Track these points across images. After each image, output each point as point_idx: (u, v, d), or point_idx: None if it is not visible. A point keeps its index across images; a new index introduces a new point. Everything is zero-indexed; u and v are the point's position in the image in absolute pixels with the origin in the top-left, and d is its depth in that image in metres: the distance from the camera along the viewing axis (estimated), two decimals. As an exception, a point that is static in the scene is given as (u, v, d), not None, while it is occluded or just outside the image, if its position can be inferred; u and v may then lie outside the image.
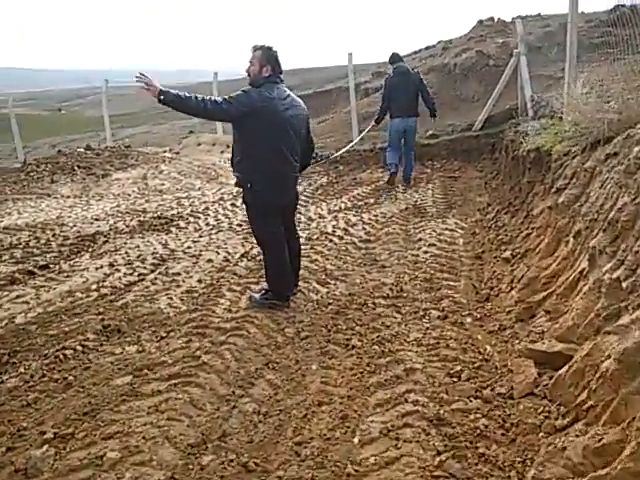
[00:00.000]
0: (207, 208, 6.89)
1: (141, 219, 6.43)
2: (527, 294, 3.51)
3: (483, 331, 3.40)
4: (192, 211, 6.74)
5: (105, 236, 5.82)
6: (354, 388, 2.81)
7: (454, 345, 3.21)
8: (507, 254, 4.29)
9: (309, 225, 6.10)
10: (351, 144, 9.53)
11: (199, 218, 6.42)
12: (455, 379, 2.85)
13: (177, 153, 11.10)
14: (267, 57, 3.70)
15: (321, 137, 13.04)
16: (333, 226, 5.98)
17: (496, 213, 5.59)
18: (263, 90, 3.64)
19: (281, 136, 3.69)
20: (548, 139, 5.14)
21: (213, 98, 3.55)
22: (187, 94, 3.45)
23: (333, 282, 4.43)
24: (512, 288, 3.76)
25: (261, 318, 3.73)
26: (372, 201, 7.15)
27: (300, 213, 6.63)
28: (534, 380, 2.62)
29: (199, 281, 4.53)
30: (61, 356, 3.20)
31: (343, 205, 6.96)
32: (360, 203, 7.05)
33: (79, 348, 3.32)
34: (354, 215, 6.40)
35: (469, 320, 3.56)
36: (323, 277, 4.54)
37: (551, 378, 2.59)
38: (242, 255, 5.14)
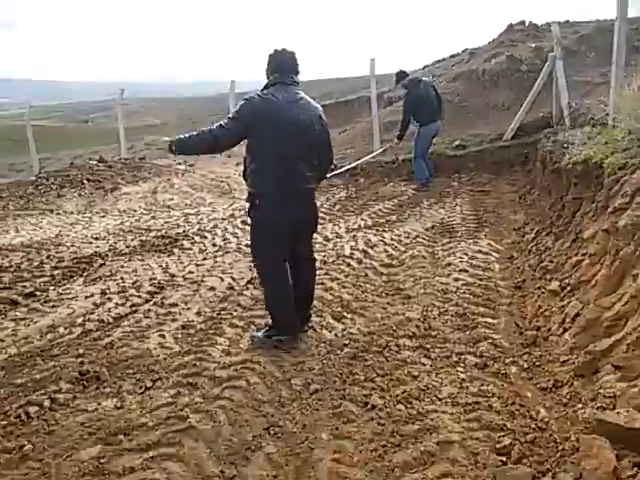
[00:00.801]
0: (216, 226, 6.38)
1: (143, 238, 5.94)
2: (586, 340, 2.87)
3: (533, 387, 2.77)
4: (199, 229, 6.24)
5: (102, 258, 5.33)
6: (375, 470, 2.22)
7: (498, 406, 2.60)
8: (554, 285, 3.65)
9: (325, 246, 5.53)
10: (372, 154, 8.96)
11: (205, 237, 5.91)
12: (504, 457, 2.24)
13: (192, 165, 10.68)
14: (273, 59, 3.39)
15: (341, 148, 12.52)
16: (351, 247, 5.39)
17: (536, 234, 4.94)
18: (268, 93, 3.28)
19: (288, 142, 3.26)
20: (597, 150, 4.49)
21: (218, 123, 3.27)
22: (194, 132, 3.30)
23: (350, 316, 3.84)
24: (565, 330, 3.13)
25: (264, 364, 3.16)
26: (394, 218, 6.55)
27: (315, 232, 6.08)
28: (614, 470, 1.99)
29: (198, 313, 3.99)
30: (23, 415, 2.68)
31: (363, 223, 6.38)
32: (381, 220, 6.46)
33: (46, 404, 2.78)
34: (375, 234, 5.81)
35: (514, 370, 2.94)
36: (339, 310, 3.95)
37: (636, 467, 1.96)
38: (249, 282, 4.59)
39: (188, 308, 4.11)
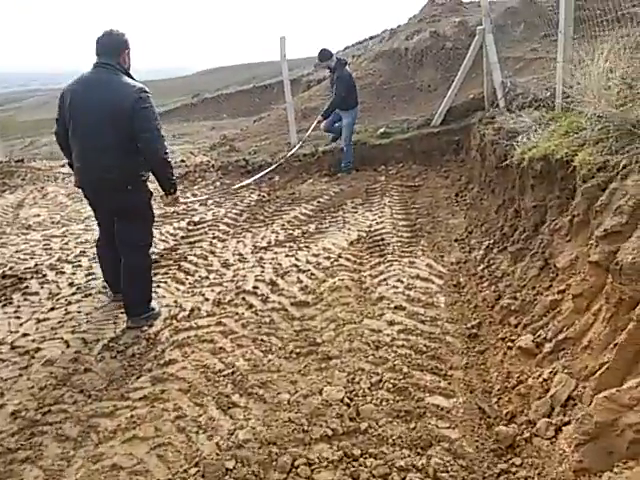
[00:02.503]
0: (83, 253, 4.92)
1: (-28, 281, 4.38)
2: (598, 460, 1.81)
3: None
4: (58, 260, 4.75)
5: None
6: None
7: None
8: (527, 341, 2.59)
9: (222, 276, 4.26)
10: (289, 153, 7.72)
11: (63, 273, 4.45)
12: None
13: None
14: (95, 42, 3.39)
15: (255, 139, 11.18)
16: (256, 277, 4.16)
17: (485, 250, 3.91)
18: (78, 79, 3.39)
19: (88, 129, 3.30)
20: (558, 142, 3.50)
21: None
22: None
23: (244, 402, 2.63)
24: (557, 429, 2.06)
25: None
26: (313, 228, 5.37)
27: (213, 254, 4.79)
28: None
29: (13, 415, 2.63)
30: None
31: (274, 237, 5.15)
32: (297, 232, 5.25)
33: None
34: (287, 254, 4.61)
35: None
36: (228, 391, 2.73)
37: None
38: (107, 343, 3.27)
39: (1, 406, 2.73)
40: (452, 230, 4.81)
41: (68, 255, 4.88)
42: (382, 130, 8.35)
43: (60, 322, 3.61)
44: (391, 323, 3.25)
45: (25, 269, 4.54)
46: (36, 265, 4.62)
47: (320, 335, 3.21)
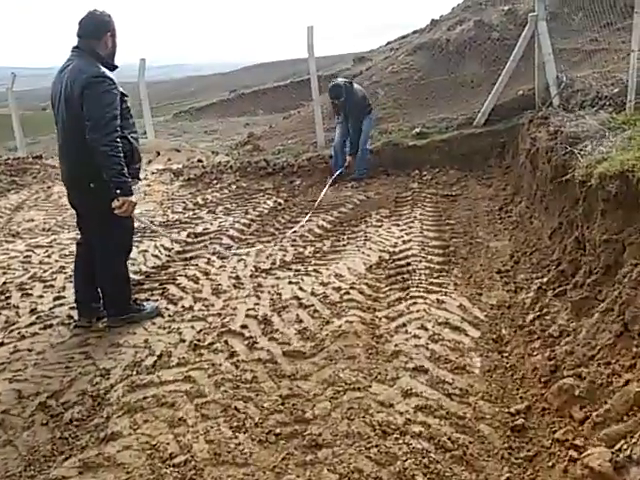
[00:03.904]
0: (62, 268, 4.29)
1: None
2: None
3: None
4: (31, 277, 4.13)
5: None
6: None
7: None
8: (600, 460, 1.73)
9: (209, 308, 3.53)
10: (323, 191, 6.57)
11: (29, 295, 3.80)
12: None
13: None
14: None
15: (281, 138, 10.49)
16: (248, 311, 3.41)
17: (537, 291, 3.03)
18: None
19: (58, 118, 3.11)
20: (637, 154, 2.61)
21: None
22: None
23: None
24: None
25: None
26: (328, 246, 4.59)
27: (207, 275, 4.08)
28: None
29: None
30: None
31: (280, 256, 4.40)
32: (308, 251, 4.49)
33: None
34: (291, 281, 3.84)
35: None
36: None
37: None
38: (47, 399, 2.59)
39: None
40: (494, 257, 3.93)
41: (45, 271, 4.26)
42: (417, 130, 7.47)
43: (2, 364, 2.96)
44: (407, 394, 2.44)
45: (-10, 288, 3.94)
46: (4, 284, 4.02)
47: (312, 406, 2.43)
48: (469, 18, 9.26)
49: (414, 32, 16.49)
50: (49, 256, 4.63)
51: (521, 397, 2.31)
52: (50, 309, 3.59)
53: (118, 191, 2.94)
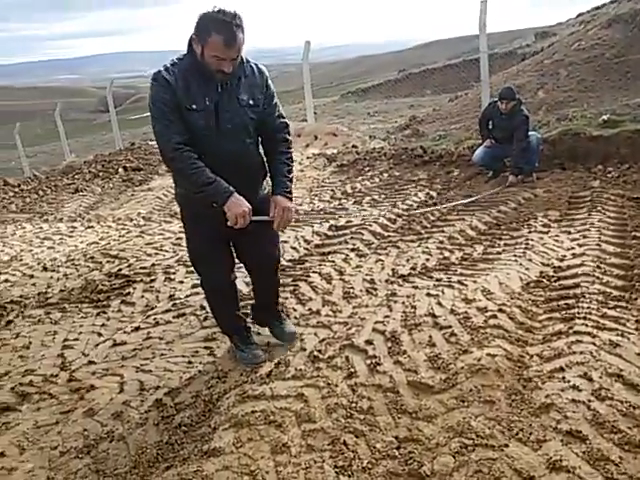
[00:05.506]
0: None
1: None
2: None
3: None
4: (178, 260, 4.27)
5: None
6: None
7: None
8: None
9: (336, 314, 3.28)
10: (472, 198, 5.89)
11: (172, 280, 3.93)
12: None
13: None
14: None
15: (444, 122, 9.87)
16: (375, 324, 3.08)
17: None
18: None
19: None
20: None
21: None
22: None
23: None
24: None
25: None
26: (479, 252, 4.05)
27: (341, 274, 3.85)
28: None
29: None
30: None
31: (423, 260, 3.98)
32: (454, 257, 3.99)
33: None
34: (429, 292, 3.40)
35: None
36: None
37: None
38: (164, 396, 2.59)
39: (10, 470, 2.21)
40: (696, 288, 3.06)
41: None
42: (606, 117, 6.34)
43: (134, 350, 3.06)
44: (554, 466, 1.92)
45: (141, 268, 4.17)
46: (152, 265, 4.23)
47: (431, 458, 2.05)
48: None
49: (612, 1, 14.24)
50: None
51: None
52: (186, 296, 3.67)
53: (212, 202, 2.47)
